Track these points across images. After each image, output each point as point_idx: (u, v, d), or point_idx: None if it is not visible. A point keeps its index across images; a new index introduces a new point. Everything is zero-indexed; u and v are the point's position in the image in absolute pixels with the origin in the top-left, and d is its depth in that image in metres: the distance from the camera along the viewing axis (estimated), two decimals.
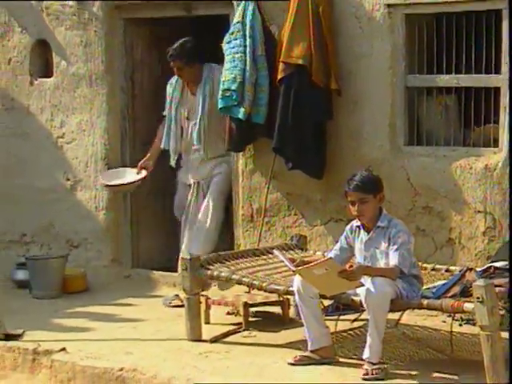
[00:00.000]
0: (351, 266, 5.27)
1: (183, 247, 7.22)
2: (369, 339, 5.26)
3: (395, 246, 5.33)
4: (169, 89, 7.46)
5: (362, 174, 5.53)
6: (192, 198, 7.37)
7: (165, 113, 7.49)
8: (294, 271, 5.36)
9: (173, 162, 7.40)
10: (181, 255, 6.71)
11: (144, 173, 7.38)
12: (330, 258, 5.42)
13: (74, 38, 7.90)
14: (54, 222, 8.09)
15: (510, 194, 5.93)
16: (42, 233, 8.12)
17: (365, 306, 5.20)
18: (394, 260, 5.31)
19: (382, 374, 5.21)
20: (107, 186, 7.53)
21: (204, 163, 7.37)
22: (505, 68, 6.42)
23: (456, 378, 5.17)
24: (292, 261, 5.52)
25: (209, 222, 7.24)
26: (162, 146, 7.41)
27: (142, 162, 7.47)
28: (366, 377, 5.20)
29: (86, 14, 7.84)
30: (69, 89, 7.97)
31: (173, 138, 7.37)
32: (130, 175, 7.47)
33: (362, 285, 5.18)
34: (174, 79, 7.43)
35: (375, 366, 5.22)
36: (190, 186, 7.42)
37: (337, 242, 5.84)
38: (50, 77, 8.07)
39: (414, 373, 5.30)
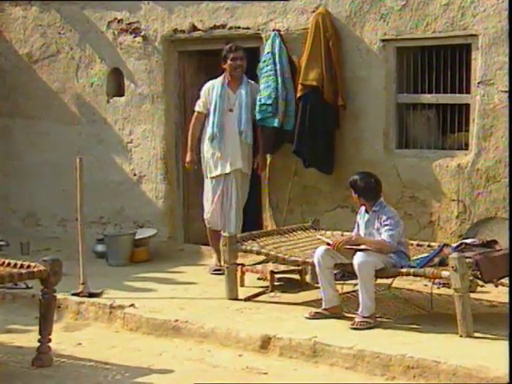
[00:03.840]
0: (333, 245, 5.37)
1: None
2: (360, 297, 5.26)
3: (386, 228, 5.32)
4: (209, 90, 6.93)
5: (368, 182, 5.45)
6: (232, 185, 6.86)
7: (200, 109, 7.00)
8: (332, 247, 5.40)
9: (209, 145, 6.87)
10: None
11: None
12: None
13: (141, 66, 7.92)
14: (125, 207, 8.12)
15: (510, 193, 5.80)
16: (115, 215, 8.15)
17: (356, 271, 5.21)
18: (384, 238, 5.30)
19: (365, 325, 5.19)
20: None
21: (243, 149, 6.87)
22: (473, 88, 6.37)
23: (434, 328, 5.16)
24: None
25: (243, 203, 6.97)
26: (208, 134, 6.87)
27: (189, 159, 7.03)
28: (352, 326, 5.22)
29: (149, 47, 7.85)
30: (136, 105, 7.98)
31: (212, 126, 6.84)
32: None
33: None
34: (215, 81, 6.94)
35: (363, 319, 5.21)
36: (226, 174, 6.86)
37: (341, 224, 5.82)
38: (122, 96, 8.08)
39: (402, 325, 5.29)
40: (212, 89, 6.96)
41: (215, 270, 6.87)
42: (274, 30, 7.03)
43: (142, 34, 7.85)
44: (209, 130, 6.90)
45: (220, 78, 6.97)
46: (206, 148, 6.94)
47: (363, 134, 6.87)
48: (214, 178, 6.93)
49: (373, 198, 5.45)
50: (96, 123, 8.21)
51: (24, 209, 8.66)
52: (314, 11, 6.89)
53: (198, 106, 7.04)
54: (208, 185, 7.00)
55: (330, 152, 6.87)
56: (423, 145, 6.78)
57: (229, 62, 6.85)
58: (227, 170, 6.88)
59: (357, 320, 5.22)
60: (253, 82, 7.02)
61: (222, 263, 6.30)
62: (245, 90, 6.87)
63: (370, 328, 5.18)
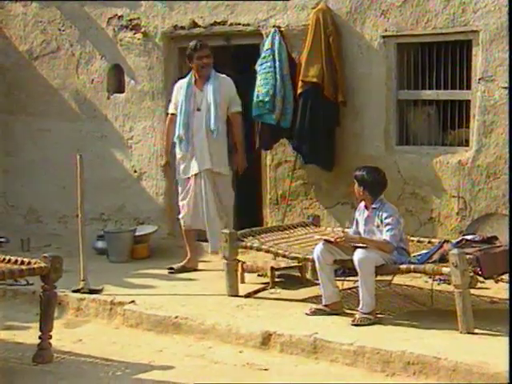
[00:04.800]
0: (337, 238, 5.35)
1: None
2: (360, 293, 5.26)
3: (387, 227, 5.32)
4: (178, 90, 6.86)
5: (376, 177, 5.45)
6: (203, 186, 6.71)
7: (172, 111, 6.92)
8: (336, 243, 5.38)
9: (178, 147, 6.80)
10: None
11: None
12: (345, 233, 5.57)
13: (141, 63, 7.91)
14: (125, 204, 8.11)
15: (510, 190, 5.80)
16: (115, 212, 8.15)
17: (356, 267, 5.21)
18: (386, 238, 5.30)
19: (366, 321, 5.20)
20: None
21: (214, 148, 6.69)
22: (474, 85, 6.37)
23: (435, 324, 5.16)
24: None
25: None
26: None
27: (163, 162, 7.13)
28: (353, 323, 5.22)
29: (149, 44, 7.84)
30: (136, 102, 7.98)
31: (179, 127, 6.74)
32: None
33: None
34: (183, 81, 6.88)
35: (363, 315, 5.21)
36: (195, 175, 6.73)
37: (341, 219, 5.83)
38: (122, 93, 8.08)
39: (402, 321, 5.29)
40: (180, 89, 6.87)
41: (171, 269, 6.86)
42: (274, 27, 7.03)
43: (143, 30, 7.84)
44: (176, 132, 6.82)
45: (188, 77, 6.89)
46: (177, 150, 6.88)
47: (364, 130, 6.86)
48: (185, 179, 6.84)
49: (378, 193, 5.44)
50: (96, 120, 8.21)
51: (24, 205, 8.66)
52: (314, 7, 6.88)
53: (170, 108, 6.99)
54: (181, 185, 6.93)
55: (330, 148, 6.86)
56: (424, 141, 6.77)
57: (195, 61, 6.74)
58: (196, 171, 6.75)
59: (357, 316, 5.23)
60: (223, 75, 6.84)
61: (189, 264, 6.59)
62: (212, 87, 6.70)
63: (370, 324, 5.19)
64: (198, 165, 6.73)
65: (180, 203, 6.96)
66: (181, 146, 6.81)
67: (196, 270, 6.88)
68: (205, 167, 6.72)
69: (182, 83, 6.88)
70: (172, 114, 6.95)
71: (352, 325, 5.19)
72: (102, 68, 8.13)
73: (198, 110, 6.73)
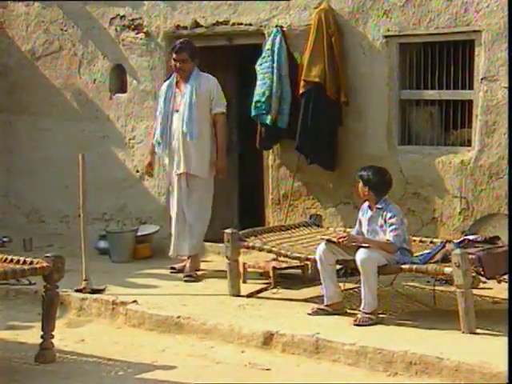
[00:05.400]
0: (340, 238, 5.34)
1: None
2: (362, 293, 5.26)
3: (391, 227, 5.31)
4: (162, 91, 6.70)
5: (382, 177, 5.43)
6: (177, 190, 6.57)
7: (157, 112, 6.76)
8: (338, 243, 5.36)
9: (159, 150, 6.67)
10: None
11: None
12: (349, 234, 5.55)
13: (143, 63, 7.92)
14: (127, 204, 8.13)
15: (509, 191, 5.79)
16: (117, 212, 8.16)
17: (358, 267, 5.21)
18: (390, 238, 5.30)
19: (369, 321, 5.20)
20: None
21: (191, 151, 6.48)
22: (476, 84, 6.37)
23: (437, 324, 5.16)
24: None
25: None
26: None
27: (147, 162, 6.90)
28: (355, 323, 5.21)
29: (152, 44, 7.85)
30: (138, 102, 7.99)
31: (159, 128, 6.59)
32: None
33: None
34: (165, 84, 6.72)
35: (366, 315, 5.21)
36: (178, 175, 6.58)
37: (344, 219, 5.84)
38: (124, 93, 8.09)
39: (404, 321, 5.29)
40: (162, 90, 6.74)
41: (173, 268, 6.78)
42: (276, 27, 7.03)
43: (145, 30, 7.85)
44: (154, 135, 6.71)
45: (171, 77, 6.72)
46: (158, 152, 6.74)
47: (366, 130, 6.86)
48: (169, 181, 6.75)
49: (383, 193, 5.43)
50: (98, 120, 8.22)
51: (27, 205, 8.68)
52: (316, 7, 6.88)
53: (157, 110, 6.81)
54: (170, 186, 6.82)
55: (332, 148, 6.87)
56: (426, 141, 6.77)
57: (172, 62, 6.62)
58: (173, 175, 6.61)
59: (359, 316, 5.23)
60: (207, 74, 6.63)
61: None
62: (190, 88, 6.47)
63: (372, 324, 5.19)
64: (175, 168, 6.56)
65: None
66: (159, 149, 6.67)
67: (198, 269, 6.87)
68: (180, 171, 6.53)
69: (165, 84, 6.75)
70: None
71: (354, 325, 5.19)
72: (104, 68, 8.13)
73: (177, 111, 6.54)
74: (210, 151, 6.60)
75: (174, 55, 6.55)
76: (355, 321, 5.21)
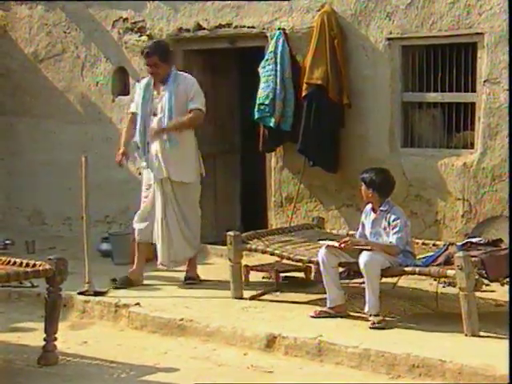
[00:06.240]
0: (342, 242, 5.31)
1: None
2: (366, 295, 5.25)
3: (394, 230, 5.31)
4: (139, 90, 6.44)
5: (385, 178, 5.42)
6: (159, 197, 6.28)
7: (133, 110, 6.47)
8: (340, 248, 5.34)
9: (141, 154, 6.37)
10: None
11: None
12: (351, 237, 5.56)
13: (146, 66, 7.92)
14: (130, 206, 8.08)
15: (509, 193, 5.79)
16: (120, 214, 8.16)
17: (362, 269, 5.21)
18: (393, 240, 5.29)
19: (383, 324, 5.19)
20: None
21: (171, 155, 6.21)
22: (479, 87, 6.37)
23: (440, 327, 5.15)
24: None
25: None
26: (134, 139, 6.37)
27: (121, 152, 6.39)
28: (372, 326, 5.19)
29: None
30: None
31: (136, 134, 6.34)
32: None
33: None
34: (143, 82, 6.45)
35: (379, 318, 5.20)
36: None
37: (347, 222, 5.84)
38: (127, 95, 8.09)
39: (407, 324, 5.29)
40: (140, 89, 6.42)
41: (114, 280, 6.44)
42: (279, 29, 7.03)
43: (147, 32, 7.85)
44: (135, 136, 6.37)
45: (148, 77, 6.43)
46: (136, 155, 6.50)
47: (368, 132, 6.86)
48: (144, 186, 6.49)
49: (387, 193, 5.43)
50: (101, 122, 8.23)
51: (29, 207, 8.68)
52: (319, 10, 6.89)
53: (132, 107, 6.54)
54: (142, 191, 6.55)
55: (334, 151, 6.87)
56: (429, 143, 6.77)
57: (146, 65, 6.36)
58: (151, 181, 6.35)
59: (375, 320, 5.19)
60: (185, 74, 6.40)
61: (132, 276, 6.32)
62: (169, 93, 6.19)
63: (385, 328, 5.17)
64: (155, 174, 6.28)
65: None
66: (138, 153, 6.41)
67: (141, 285, 6.42)
68: (161, 176, 6.25)
69: (143, 83, 6.44)
70: (132, 114, 6.48)
71: (371, 328, 5.15)
72: (106, 70, 8.14)
73: (155, 114, 6.26)
74: (193, 154, 6.35)
75: (145, 60, 6.33)
76: (372, 324, 5.18)
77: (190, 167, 6.35)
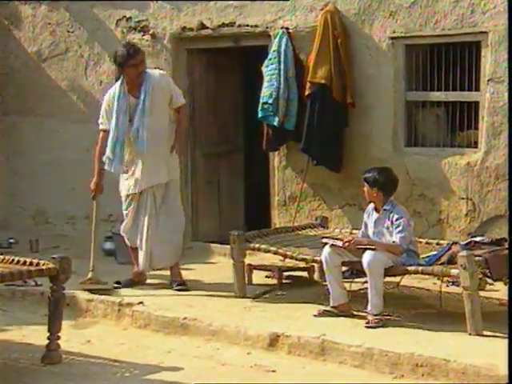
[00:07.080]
0: (345, 242, 5.32)
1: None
2: (369, 295, 5.25)
3: (398, 229, 5.30)
4: (109, 103, 6.13)
5: (389, 176, 5.41)
6: (148, 203, 6.13)
7: (104, 127, 6.13)
8: (344, 247, 5.35)
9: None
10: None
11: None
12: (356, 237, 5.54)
13: (149, 64, 7.84)
14: None
15: (509, 193, 5.77)
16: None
17: (365, 269, 5.21)
18: (396, 239, 5.29)
19: (380, 323, 5.19)
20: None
21: (152, 161, 6.06)
22: (482, 86, 6.36)
23: (443, 326, 5.15)
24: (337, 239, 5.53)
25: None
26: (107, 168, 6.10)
27: (92, 186, 6.27)
28: (367, 325, 5.20)
29: (158, 45, 7.87)
30: None
31: (111, 143, 6.04)
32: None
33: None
34: (112, 92, 6.16)
35: (376, 317, 5.20)
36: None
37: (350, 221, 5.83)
38: None
39: (410, 323, 5.28)
40: (111, 101, 6.10)
41: (116, 283, 6.33)
42: (282, 28, 7.03)
43: (151, 32, 7.86)
44: (106, 151, 6.05)
45: (117, 86, 6.10)
46: (107, 168, 6.19)
47: (372, 131, 6.86)
48: (125, 198, 6.30)
49: (391, 192, 5.42)
50: None
51: (33, 207, 8.69)
52: (322, 9, 6.89)
53: (101, 124, 6.20)
54: (123, 200, 6.34)
55: (338, 150, 6.87)
56: (432, 143, 6.76)
57: (127, 69, 6.01)
58: (136, 191, 6.16)
59: (370, 318, 5.21)
60: (156, 72, 6.24)
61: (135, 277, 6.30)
62: (144, 93, 5.97)
63: (381, 326, 5.17)
64: (140, 184, 6.13)
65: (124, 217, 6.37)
66: (111, 165, 6.08)
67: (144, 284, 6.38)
68: (148, 185, 6.13)
69: (113, 94, 6.13)
70: (103, 132, 6.16)
71: (366, 327, 5.16)
72: (110, 70, 8.14)
73: (130, 121, 6.02)
74: (170, 153, 6.16)
75: (132, 60, 6.00)
76: (367, 323, 5.19)
77: (173, 165, 6.21)
